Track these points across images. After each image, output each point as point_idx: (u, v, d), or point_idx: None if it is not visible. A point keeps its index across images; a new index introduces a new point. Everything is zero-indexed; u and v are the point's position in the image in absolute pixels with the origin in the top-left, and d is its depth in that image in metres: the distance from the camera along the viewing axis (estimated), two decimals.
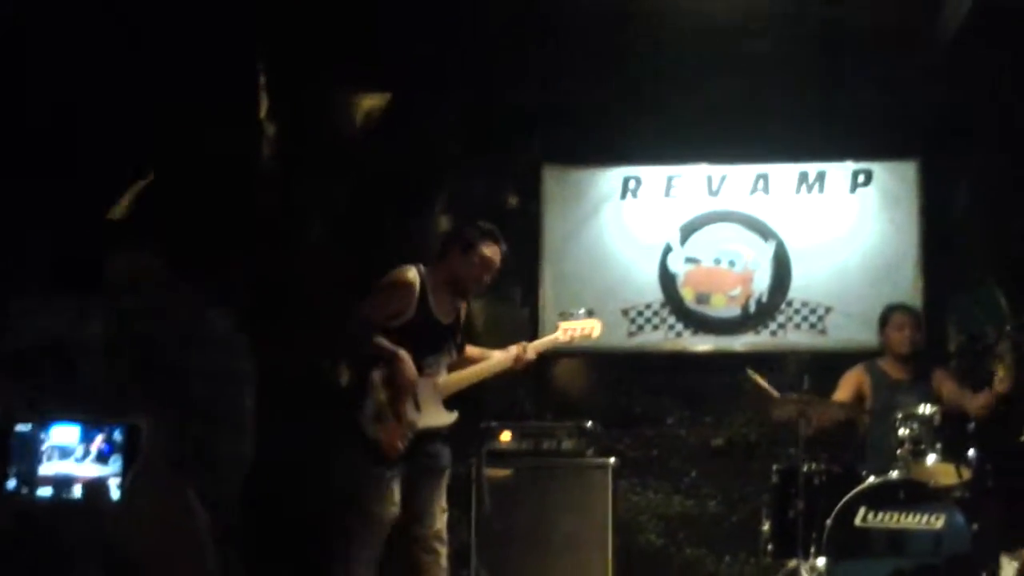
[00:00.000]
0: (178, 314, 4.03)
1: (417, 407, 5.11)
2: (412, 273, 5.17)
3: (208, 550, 4.38)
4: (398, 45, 6.99)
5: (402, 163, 7.24)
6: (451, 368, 5.34)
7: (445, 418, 5.27)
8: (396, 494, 5.07)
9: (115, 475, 3.76)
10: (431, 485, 5.24)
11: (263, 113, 6.99)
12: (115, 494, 3.76)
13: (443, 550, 5.30)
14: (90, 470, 3.79)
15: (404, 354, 5.05)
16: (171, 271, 4.10)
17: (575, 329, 5.74)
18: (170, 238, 4.51)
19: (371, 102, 7.38)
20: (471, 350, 5.53)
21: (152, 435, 3.86)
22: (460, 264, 5.29)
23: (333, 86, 7.24)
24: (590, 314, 5.88)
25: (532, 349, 5.54)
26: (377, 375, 5.02)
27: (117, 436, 3.78)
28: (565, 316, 5.85)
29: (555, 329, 5.84)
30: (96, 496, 3.78)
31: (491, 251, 5.31)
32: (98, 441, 3.82)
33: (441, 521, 5.30)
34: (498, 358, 5.48)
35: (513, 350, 5.49)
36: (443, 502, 5.34)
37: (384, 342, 5.06)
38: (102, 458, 3.80)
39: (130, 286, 4.11)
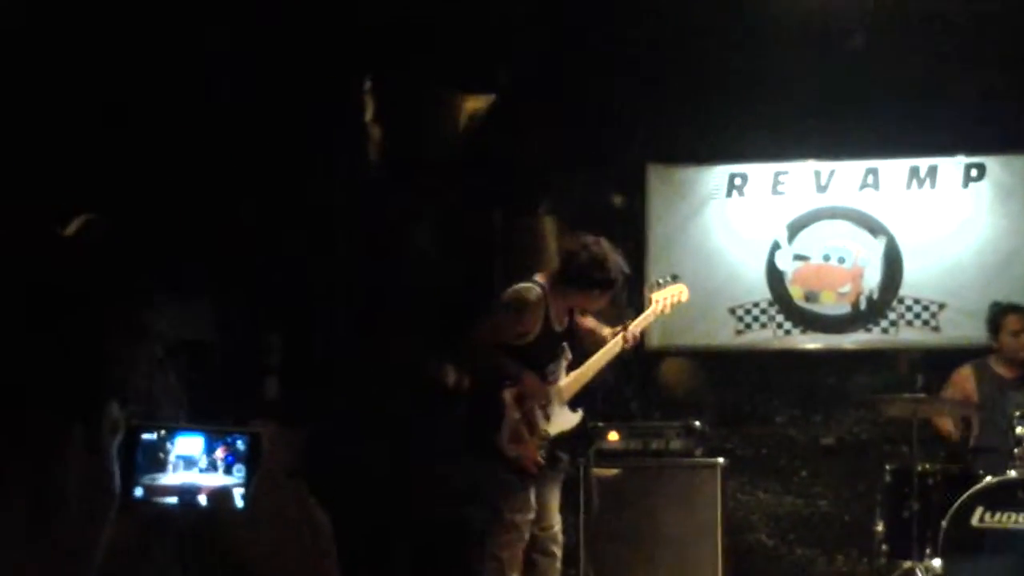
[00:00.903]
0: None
1: (547, 417, 5.18)
2: (536, 293, 5.21)
3: (332, 556, 4.45)
4: (501, 46, 7.02)
5: (507, 165, 7.26)
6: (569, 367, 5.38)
7: (573, 420, 5.33)
8: (532, 500, 5.15)
9: (239, 484, 3.83)
10: (550, 488, 5.30)
11: (369, 116, 7.07)
12: (239, 503, 3.83)
13: (558, 551, 5.35)
14: (214, 479, 3.86)
15: (530, 375, 5.11)
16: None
17: (667, 297, 5.64)
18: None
19: (475, 104, 7.41)
20: (588, 322, 5.52)
21: (273, 443, 3.93)
22: (595, 300, 5.34)
23: (438, 88, 7.28)
24: (675, 279, 5.78)
25: (635, 327, 5.47)
26: (508, 396, 5.09)
27: (240, 445, 3.86)
28: (653, 287, 5.74)
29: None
30: (221, 505, 3.86)
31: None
32: (221, 451, 3.90)
33: (557, 523, 5.35)
34: (606, 348, 5.42)
35: (619, 336, 5.43)
36: (558, 504, 5.39)
37: (509, 363, 5.13)
38: (226, 467, 3.87)
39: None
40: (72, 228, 3.97)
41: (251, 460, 3.86)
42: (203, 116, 6.07)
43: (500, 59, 7.15)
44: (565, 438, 5.33)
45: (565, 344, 5.37)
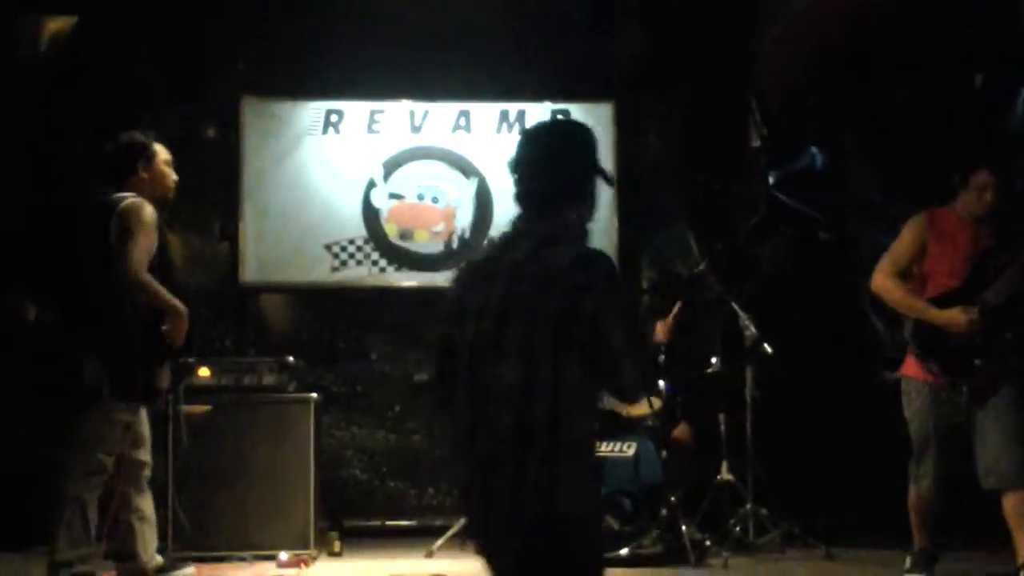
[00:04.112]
0: None
1: None
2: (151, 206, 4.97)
3: None
4: None
5: (93, 90, 6.87)
6: None
7: None
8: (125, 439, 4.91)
9: None
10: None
11: None
12: None
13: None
14: None
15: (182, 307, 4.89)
16: None
17: None
18: None
19: (56, 25, 6.99)
20: None
21: None
22: (155, 176, 5.10)
23: (14, 7, 6.81)
24: None
25: None
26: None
27: None
28: None
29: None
30: None
31: (167, 153, 5.16)
32: None
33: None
34: None
35: None
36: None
37: (167, 296, 4.86)
38: None
39: None
40: None
41: None
42: None
43: None
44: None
45: None
